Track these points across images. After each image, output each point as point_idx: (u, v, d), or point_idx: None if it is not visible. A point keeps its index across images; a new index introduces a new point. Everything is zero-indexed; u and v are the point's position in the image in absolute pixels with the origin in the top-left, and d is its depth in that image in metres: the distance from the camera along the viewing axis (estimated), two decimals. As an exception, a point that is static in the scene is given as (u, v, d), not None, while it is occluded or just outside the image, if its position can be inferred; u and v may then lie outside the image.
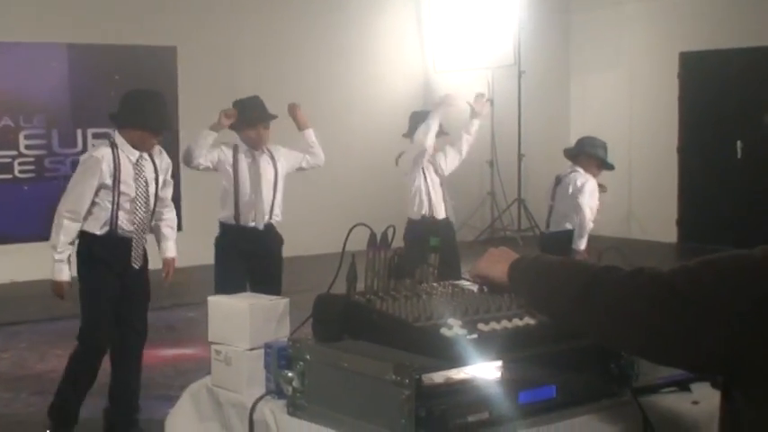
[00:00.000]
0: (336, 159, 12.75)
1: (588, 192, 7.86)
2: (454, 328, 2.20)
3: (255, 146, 6.97)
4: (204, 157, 7.00)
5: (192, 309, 9.26)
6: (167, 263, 6.19)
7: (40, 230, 11.11)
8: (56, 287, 5.80)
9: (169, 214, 6.15)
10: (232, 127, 7.02)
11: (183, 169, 11.77)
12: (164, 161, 5.96)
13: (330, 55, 13.12)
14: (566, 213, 7.99)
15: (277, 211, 7.03)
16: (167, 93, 11.76)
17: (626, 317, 1.82)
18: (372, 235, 2.48)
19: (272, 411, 2.47)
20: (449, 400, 2.19)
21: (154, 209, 5.91)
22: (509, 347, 2.25)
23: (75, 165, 11.21)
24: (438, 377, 2.24)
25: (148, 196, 5.80)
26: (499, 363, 2.33)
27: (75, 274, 5.87)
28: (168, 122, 5.97)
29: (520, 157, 13.91)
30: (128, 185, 5.69)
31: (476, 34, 13.73)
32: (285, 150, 7.16)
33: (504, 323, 2.27)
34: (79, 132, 11.49)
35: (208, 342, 2.81)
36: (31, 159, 11.31)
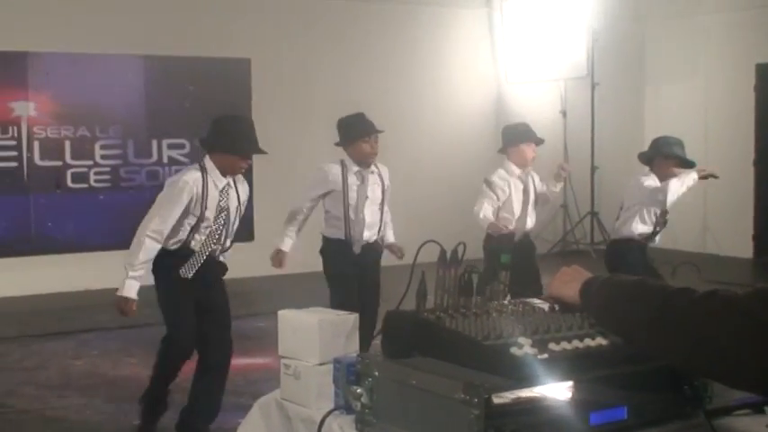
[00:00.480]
0: (408, 172, 12.79)
1: (650, 184, 7.69)
2: (524, 348, 2.18)
3: (368, 159, 6.99)
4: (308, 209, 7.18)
5: (262, 319, 9.33)
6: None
7: (114, 239, 11.33)
8: (122, 303, 5.77)
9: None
10: (340, 144, 7.10)
11: (255, 179, 11.95)
12: (245, 191, 6.05)
13: (403, 66, 13.14)
14: (627, 217, 7.78)
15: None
16: (241, 105, 11.96)
17: (699, 341, 1.80)
18: (443, 252, 2.47)
19: (341, 427, 2.47)
20: (518, 421, 2.17)
21: (232, 234, 6.00)
22: (580, 368, 2.22)
23: (150, 175, 11.53)
24: (507, 397, 2.22)
25: (228, 223, 5.89)
26: (570, 383, 2.30)
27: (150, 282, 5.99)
28: (257, 147, 5.94)
29: (593, 169, 13.79)
30: (210, 211, 5.77)
31: (548, 45, 13.64)
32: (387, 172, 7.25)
33: (576, 343, 2.25)
34: (154, 143, 11.66)
35: (278, 353, 2.82)
36: (107, 169, 11.49)
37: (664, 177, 7.68)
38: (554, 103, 13.88)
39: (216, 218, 5.80)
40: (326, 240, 7.18)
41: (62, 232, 11.24)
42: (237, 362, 7.93)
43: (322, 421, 2.53)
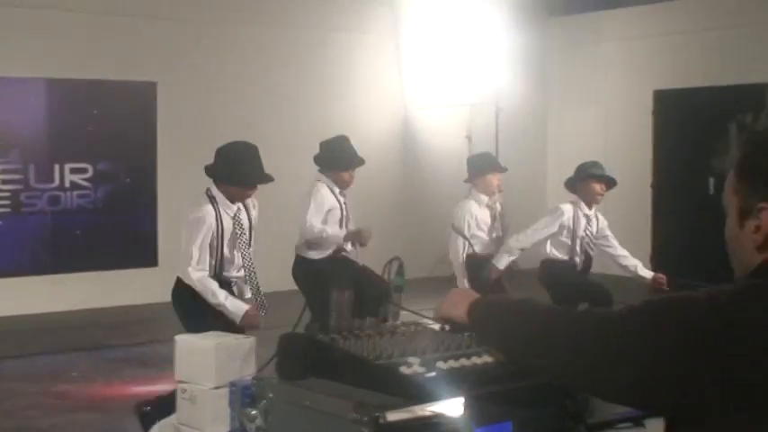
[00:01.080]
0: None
1: (554, 213, 8.20)
2: (413, 366, 2.25)
3: (346, 186, 7.71)
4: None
5: (167, 345, 9.25)
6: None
7: (14, 265, 11.17)
8: (246, 320, 5.85)
9: None
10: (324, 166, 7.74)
11: (160, 204, 11.89)
12: (255, 212, 6.22)
13: (310, 91, 13.19)
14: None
15: None
16: (146, 129, 11.90)
17: (574, 356, 1.89)
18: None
19: (237, 449, 2.51)
20: (408, 438, 2.23)
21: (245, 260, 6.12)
22: (467, 385, 2.29)
23: (51, 200, 11.38)
24: (398, 415, 2.28)
25: (246, 245, 6.06)
26: (457, 400, 2.37)
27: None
28: (263, 176, 6.03)
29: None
30: (228, 238, 5.95)
31: (454, 71, 13.84)
32: None
33: (463, 361, 2.32)
34: (56, 167, 11.48)
35: (173, 381, 2.85)
36: (8, 194, 11.26)
37: (588, 199, 8.13)
38: (460, 127, 14.07)
39: (236, 240, 6.00)
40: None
41: (-38, 258, 11.02)
42: (140, 389, 7.91)
43: (218, 444, 2.56)
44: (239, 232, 6.00)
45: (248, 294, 6.20)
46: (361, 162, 7.91)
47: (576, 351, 1.90)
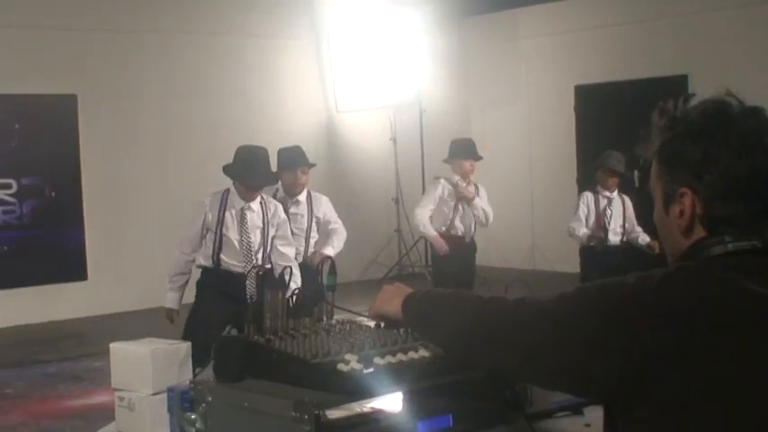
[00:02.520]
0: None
1: (579, 203, 9.22)
2: (351, 363, 2.26)
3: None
4: None
5: (98, 358, 9.16)
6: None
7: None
8: (166, 313, 6.64)
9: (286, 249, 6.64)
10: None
11: (87, 217, 11.75)
12: (270, 210, 6.70)
13: (233, 97, 13.13)
14: None
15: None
16: (68, 141, 11.74)
17: (510, 344, 1.91)
18: (271, 276, 2.54)
19: (178, 455, 2.50)
20: (349, 434, 2.25)
21: (263, 253, 6.55)
22: (405, 380, 2.32)
23: (-25, 215, 11.15)
24: (338, 412, 2.30)
25: (250, 242, 6.52)
26: (397, 395, 2.40)
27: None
28: (264, 179, 6.64)
29: (423, 195, 14.05)
30: (228, 229, 6.50)
31: (376, 74, 13.89)
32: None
33: (400, 356, 2.34)
34: (-20, 181, 11.30)
35: (110, 389, 2.83)
36: (-69, 212, 11.08)
37: (604, 185, 9.03)
38: (384, 130, 14.13)
39: (240, 235, 6.51)
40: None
41: None
42: (75, 403, 7.83)
43: (158, 450, 2.55)
44: (245, 229, 6.51)
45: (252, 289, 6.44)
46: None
47: (510, 340, 1.91)
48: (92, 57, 12.00)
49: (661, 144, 1.96)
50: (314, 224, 7.78)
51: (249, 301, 6.25)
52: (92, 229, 11.72)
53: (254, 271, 6.28)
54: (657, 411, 1.73)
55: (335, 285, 2.67)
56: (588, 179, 13.70)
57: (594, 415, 2.63)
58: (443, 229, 8.84)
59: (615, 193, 9.04)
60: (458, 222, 8.90)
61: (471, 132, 15.26)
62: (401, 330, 2.46)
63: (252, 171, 6.48)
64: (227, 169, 6.63)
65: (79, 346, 9.97)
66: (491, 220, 9.07)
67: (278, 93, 13.66)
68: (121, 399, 2.73)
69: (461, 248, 8.88)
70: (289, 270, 2.58)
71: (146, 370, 2.67)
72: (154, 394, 2.65)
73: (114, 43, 12.20)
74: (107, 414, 6.85)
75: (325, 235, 7.89)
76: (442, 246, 8.75)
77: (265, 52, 13.52)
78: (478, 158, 9.04)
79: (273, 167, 7.18)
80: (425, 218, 8.81)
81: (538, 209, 14.29)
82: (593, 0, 13.81)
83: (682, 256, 1.88)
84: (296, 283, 6.06)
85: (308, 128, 13.92)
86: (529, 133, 14.51)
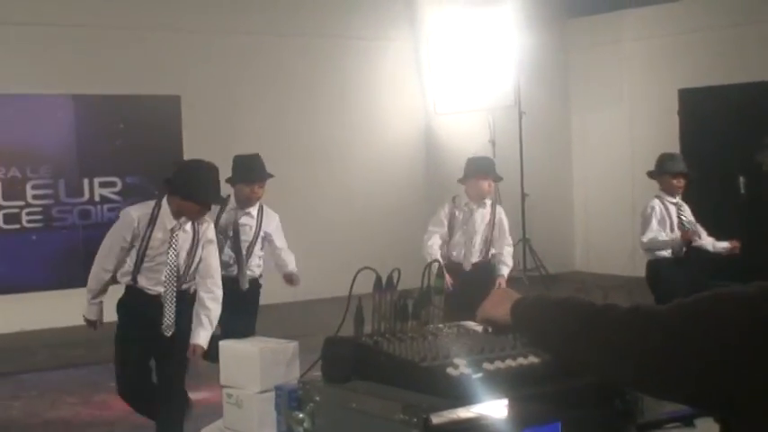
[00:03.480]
0: (340, 203, 12.87)
1: (648, 214, 8.46)
2: (460, 368, 2.25)
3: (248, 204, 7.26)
4: None
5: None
6: (193, 348, 6.02)
7: (48, 280, 11.25)
8: (87, 323, 6.25)
9: (211, 303, 6.00)
10: (229, 181, 7.25)
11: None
12: (202, 228, 6.01)
13: (332, 100, 13.25)
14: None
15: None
16: (172, 142, 11.96)
17: (622, 352, 1.87)
18: (378, 278, 2.54)
19: (284, 453, 2.52)
20: (457, 439, 2.24)
21: (186, 277, 5.98)
22: (514, 386, 2.30)
23: (82, 214, 11.47)
24: (445, 416, 2.29)
25: (178, 265, 5.90)
26: (505, 401, 2.38)
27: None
28: (216, 198, 6.03)
29: (523, 196, 13.98)
30: (154, 250, 5.85)
31: (476, 76, 13.84)
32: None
33: (509, 362, 2.32)
34: (86, 182, 11.60)
35: (218, 386, 2.87)
36: (39, 209, 11.39)
37: (668, 191, 8.47)
38: (483, 132, 14.07)
39: (167, 256, 5.85)
40: None
41: (-6, 274, 11.11)
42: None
43: (265, 448, 2.58)
44: (172, 250, 5.88)
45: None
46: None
47: (623, 348, 1.88)
48: (195, 58, 12.22)
49: None
50: (260, 239, 7.33)
51: (165, 332, 5.96)
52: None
53: (173, 294, 5.91)
54: None
55: (443, 289, 2.66)
56: (692, 183, 13.49)
57: (706, 427, 2.57)
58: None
59: (679, 198, 8.57)
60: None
61: (571, 136, 15.16)
62: (509, 336, 2.44)
63: (207, 188, 5.83)
64: (174, 184, 5.88)
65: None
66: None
67: (377, 95, 13.72)
68: (230, 396, 2.76)
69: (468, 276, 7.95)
70: (398, 272, 2.57)
71: (254, 368, 2.70)
72: (261, 392, 2.68)
73: (217, 45, 12.39)
74: (211, 409, 6.96)
75: (277, 257, 7.46)
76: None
77: (365, 54, 13.59)
78: (498, 179, 8.17)
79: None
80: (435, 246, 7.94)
81: (639, 214, 14.05)
82: (699, 2, 13.56)
83: None
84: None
85: (406, 130, 13.97)
86: (630, 137, 14.30)
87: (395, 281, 2.56)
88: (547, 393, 2.37)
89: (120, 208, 11.64)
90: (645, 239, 8.40)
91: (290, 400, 2.53)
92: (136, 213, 5.87)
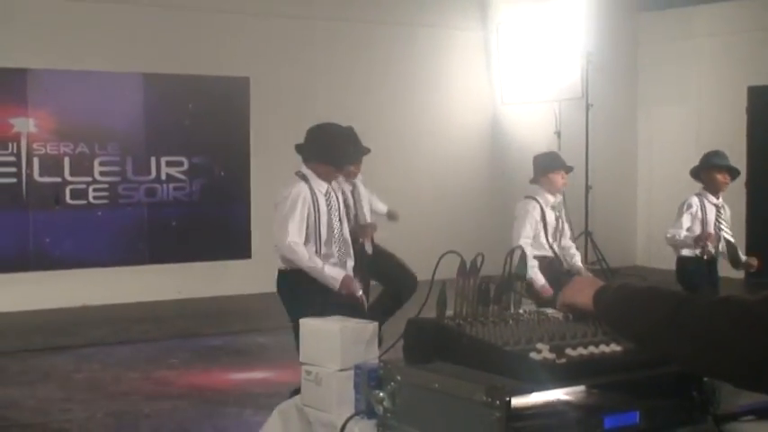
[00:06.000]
0: (407, 190, 12.89)
1: (683, 209, 8.20)
2: (543, 353, 2.27)
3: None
4: None
5: (261, 335, 9.41)
6: None
7: (112, 256, 11.44)
8: (344, 286, 5.99)
9: None
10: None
11: (254, 197, 12.05)
12: (357, 190, 6.70)
13: (400, 86, 13.27)
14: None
15: None
16: (240, 123, 12.08)
17: (711, 342, 1.89)
18: (462, 262, 2.57)
19: (362, 431, 2.55)
20: (537, 423, 2.26)
21: (343, 236, 6.20)
22: (595, 373, 2.32)
23: (148, 192, 11.62)
24: (526, 400, 2.32)
25: (340, 224, 6.15)
26: (584, 388, 2.40)
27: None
28: (350, 157, 6.34)
29: (587, 189, 13.90)
30: (325, 216, 6.05)
31: (543, 67, 13.77)
32: None
33: (591, 349, 2.34)
34: (153, 160, 11.73)
35: (278, 366, 2.91)
36: (105, 186, 11.54)
37: (713, 188, 8.15)
38: (549, 123, 14.00)
39: (329, 218, 6.07)
40: None
41: (60, 249, 11.29)
42: (238, 376, 8.06)
43: (344, 426, 2.61)
44: (334, 211, 6.11)
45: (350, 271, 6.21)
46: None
47: (711, 338, 1.90)
48: (266, 42, 12.30)
49: None
50: (366, 207, 7.69)
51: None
52: (258, 210, 12.01)
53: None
54: None
55: (525, 275, 2.69)
56: (758, 182, 13.34)
57: (783, 422, 2.57)
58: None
59: (721, 199, 8.25)
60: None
61: (638, 130, 15.05)
62: (590, 323, 2.45)
63: (342, 149, 6.18)
64: (308, 149, 6.16)
65: (242, 322, 10.26)
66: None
67: (445, 83, 13.73)
68: (309, 373, 2.79)
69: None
70: (481, 257, 2.59)
71: (335, 346, 2.73)
72: (341, 370, 2.71)
73: (289, 30, 12.47)
74: (270, 389, 7.07)
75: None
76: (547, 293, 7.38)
77: (434, 42, 13.59)
78: (569, 169, 8.01)
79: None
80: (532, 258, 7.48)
81: (704, 211, 13.92)
82: (770, -1, 13.39)
83: None
84: None
85: (473, 118, 13.96)
86: (697, 133, 14.15)
87: (478, 265, 2.59)
88: (627, 382, 2.39)
89: (185, 188, 11.90)
90: (668, 235, 8.21)
91: (369, 380, 2.56)
92: (297, 189, 6.01)
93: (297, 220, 5.99)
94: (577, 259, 7.98)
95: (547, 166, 7.89)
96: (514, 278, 2.69)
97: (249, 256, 11.89)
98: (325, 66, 12.68)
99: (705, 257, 8.09)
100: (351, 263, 6.27)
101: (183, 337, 9.57)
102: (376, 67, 13.08)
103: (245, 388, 7.62)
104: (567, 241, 7.99)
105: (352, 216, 7.26)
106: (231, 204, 12.15)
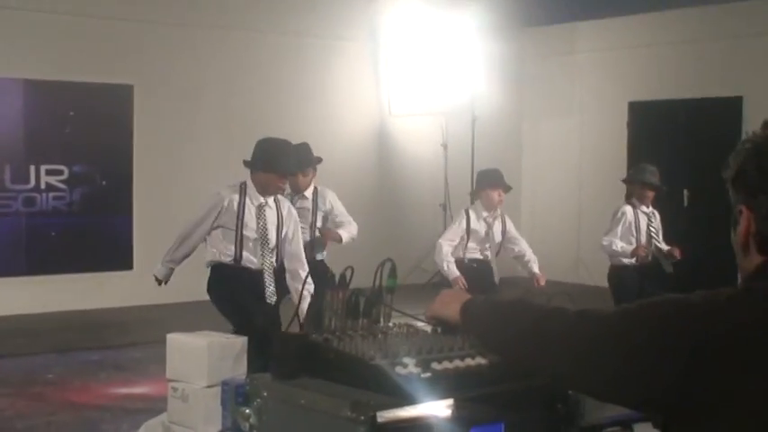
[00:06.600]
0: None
1: (617, 218, 8.79)
2: (409, 367, 2.26)
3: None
4: None
5: (141, 348, 9.24)
6: None
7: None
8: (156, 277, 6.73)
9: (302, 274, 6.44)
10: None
11: (136, 207, 11.85)
12: (284, 209, 6.62)
13: (287, 97, 13.20)
14: None
15: None
16: (123, 131, 11.87)
17: (570, 355, 1.91)
18: (331, 275, 2.55)
19: (229, 448, 2.52)
20: (403, 437, 2.25)
21: (277, 251, 6.54)
22: (461, 386, 2.32)
23: (27, 201, 11.31)
24: (392, 415, 2.30)
25: (268, 239, 6.44)
26: (451, 401, 2.40)
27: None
28: (290, 166, 6.56)
29: (472, 200, 14.01)
30: (249, 228, 6.40)
31: (430, 79, 13.90)
32: None
33: (457, 362, 2.34)
34: (32, 168, 11.40)
35: (158, 381, 2.85)
36: (-18, 195, 11.21)
37: (642, 199, 8.72)
38: (435, 136, 14.12)
39: (257, 231, 6.39)
40: None
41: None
42: (116, 391, 7.89)
43: (209, 442, 2.57)
44: (261, 224, 6.40)
45: (270, 287, 6.47)
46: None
47: (569, 349, 1.92)
48: (150, 48, 12.12)
49: (732, 165, 1.95)
50: (319, 218, 7.90)
51: (268, 300, 6.45)
52: (140, 220, 11.83)
53: (271, 268, 6.42)
54: (715, 430, 1.72)
55: (395, 288, 2.67)
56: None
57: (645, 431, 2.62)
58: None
59: (651, 208, 8.81)
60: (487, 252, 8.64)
61: (522, 143, 15.27)
62: (458, 336, 2.46)
63: (284, 159, 6.44)
64: (253, 161, 6.49)
65: (122, 336, 10.07)
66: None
67: (333, 94, 13.72)
68: (175, 389, 2.75)
69: (483, 273, 8.56)
70: (350, 270, 2.58)
71: (201, 362, 2.69)
72: (208, 387, 2.67)
73: (173, 36, 12.31)
74: (148, 404, 6.95)
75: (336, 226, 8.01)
76: (460, 285, 8.31)
77: (322, 53, 13.58)
78: (508, 189, 8.73)
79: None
80: (448, 254, 8.51)
81: (585, 223, 14.20)
82: (651, 17, 13.73)
83: (749, 276, 1.87)
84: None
85: (360, 130, 13.98)
86: (580, 147, 14.45)
87: (347, 279, 2.57)
88: (492, 394, 2.40)
89: (65, 197, 11.63)
90: (604, 242, 8.74)
91: (236, 396, 2.52)
92: (225, 194, 6.40)
93: (195, 222, 6.52)
94: (534, 265, 8.68)
95: (483, 182, 8.71)
96: (385, 291, 2.68)
97: (131, 268, 11.68)
98: (209, 73, 12.55)
99: (636, 262, 8.61)
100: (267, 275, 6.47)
101: (60, 351, 9.33)
102: (263, 77, 13.00)
103: (123, 403, 7.48)
104: (524, 249, 8.72)
105: (309, 227, 7.75)
106: (113, 214, 11.91)
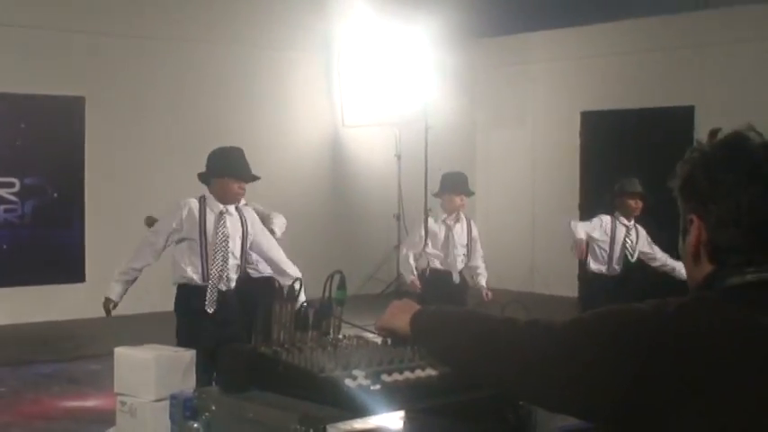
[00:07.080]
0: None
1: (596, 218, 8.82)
2: (358, 379, 2.25)
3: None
4: None
5: (95, 361, 9.14)
6: None
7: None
8: (105, 303, 6.29)
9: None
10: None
11: (88, 219, 11.75)
12: (252, 219, 6.41)
13: (240, 107, 13.16)
14: None
15: None
16: (75, 143, 11.75)
17: (519, 365, 1.90)
18: (279, 288, 2.53)
19: (177, 462, 2.49)
20: (352, 450, 2.24)
21: (241, 262, 6.28)
22: (411, 398, 2.31)
23: (-23, 213, 11.15)
24: (342, 428, 2.29)
25: (227, 249, 6.13)
26: (402, 413, 2.39)
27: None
28: (249, 172, 6.40)
29: (426, 211, 14.04)
30: (210, 237, 6.11)
31: (385, 90, 13.92)
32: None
33: (407, 374, 2.33)
34: (-18, 181, 11.29)
35: (112, 394, 2.82)
36: (-68, 207, 11.07)
37: (625, 213, 8.63)
38: (389, 146, 14.13)
39: (215, 240, 6.09)
40: None
41: None
42: (69, 405, 7.81)
43: (158, 457, 2.54)
44: (220, 234, 6.13)
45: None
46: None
47: (519, 359, 1.91)
48: (102, 60, 12.03)
49: (680, 174, 1.95)
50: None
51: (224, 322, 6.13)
52: (92, 232, 11.72)
53: (233, 280, 6.19)
54: None
55: (344, 300, 2.66)
56: (591, 204, 13.74)
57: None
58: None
59: (633, 222, 8.71)
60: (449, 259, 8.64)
61: (475, 152, 15.31)
62: (408, 347, 2.45)
63: (238, 164, 6.30)
64: (207, 169, 6.28)
65: (75, 348, 9.96)
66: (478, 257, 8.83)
67: (286, 104, 13.70)
68: (123, 404, 2.71)
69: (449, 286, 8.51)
70: (300, 282, 2.56)
71: (149, 376, 2.66)
72: (156, 401, 2.64)
73: (125, 48, 12.23)
74: (101, 417, 6.87)
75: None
76: (415, 287, 8.50)
77: (275, 63, 13.55)
78: (470, 194, 8.80)
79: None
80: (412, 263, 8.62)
81: (539, 232, 14.28)
82: (603, 27, 13.84)
83: (698, 285, 1.88)
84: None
85: (313, 140, 13.97)
86: (533, 156, 14.53)
87: (296, 290, 2.56)
88: (443, 406, 2.39)
89: (16, 209, 11.49)
90: (572, 223, 8.92)
91: (185, 409, 2.49)
92: (184, 203, 6.16)
93: (156, 231, 6.29)
94: (482, 279, 8.68)
95: (447, 185, 8.70)
96: (334, 302, 2.66)
97: (83, 280, 11.57)
98: (162, 85, 12.48)
99: (609, 274, 8.62)
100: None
101: (12, 365, 9.22)
102: (215, 88, 12.94)
103: (76, 416, 7.41)
104: (477, 261, 8.72)
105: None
106: (65, 227, 11.80)
